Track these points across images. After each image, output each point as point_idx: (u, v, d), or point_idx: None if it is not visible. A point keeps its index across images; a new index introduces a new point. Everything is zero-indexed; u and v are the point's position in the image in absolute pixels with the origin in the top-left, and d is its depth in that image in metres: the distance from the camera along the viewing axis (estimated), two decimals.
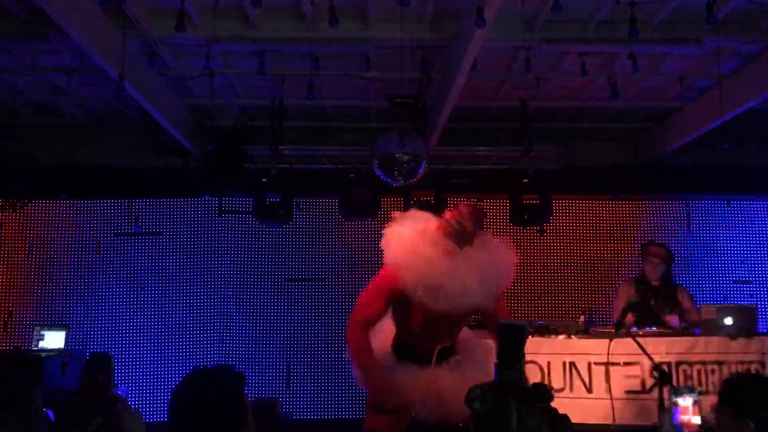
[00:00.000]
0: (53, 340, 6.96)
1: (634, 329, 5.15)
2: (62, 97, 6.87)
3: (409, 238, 3.80)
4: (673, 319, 5.59)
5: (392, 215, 4.03)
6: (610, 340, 4.63)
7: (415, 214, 4.02)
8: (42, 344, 6.95)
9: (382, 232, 3.94)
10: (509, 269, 3.89)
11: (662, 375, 3.45)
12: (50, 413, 3.16)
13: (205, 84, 6.33)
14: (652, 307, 5.73)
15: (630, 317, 5.36)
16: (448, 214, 3.87)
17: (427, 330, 3.80)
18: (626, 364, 4.87)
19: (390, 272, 3.77)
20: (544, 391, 2.21)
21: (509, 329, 2.32)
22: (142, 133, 7.56)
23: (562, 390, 5.09)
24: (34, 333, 7.07)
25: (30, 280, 7.75)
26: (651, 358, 4.03)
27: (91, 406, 2.44)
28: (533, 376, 5.21)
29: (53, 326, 7.18)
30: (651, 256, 5.90)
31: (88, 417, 2.17)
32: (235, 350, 7.75)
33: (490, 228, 7.86)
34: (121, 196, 7.82)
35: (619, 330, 4.63)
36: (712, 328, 4.91)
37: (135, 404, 7.35)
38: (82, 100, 6.99)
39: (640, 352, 4.60)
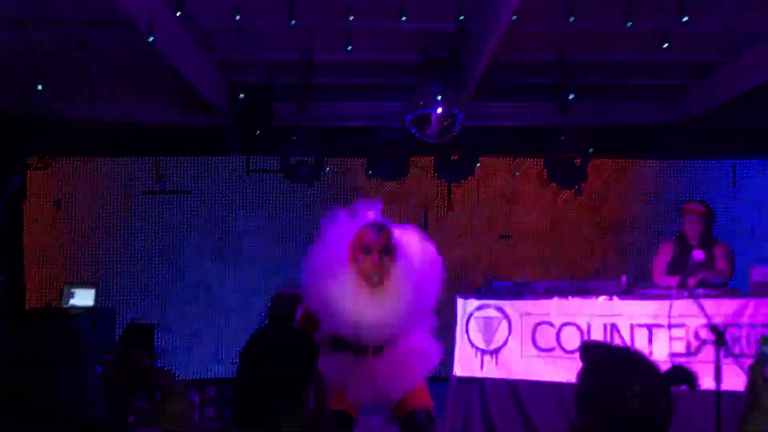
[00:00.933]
0: (83, 297, 6.96)
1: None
2: (88, 51, 6.72)
3: (323, 276, 3.60)
4: (697, 254, 5.38)
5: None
6: (672, 301, 4.50)
7: (340, 229, 3.71)
8: (72, 302, 6.96)
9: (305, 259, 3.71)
10: (428, 298, 3.69)
11: (719, 336, 3.29)
12: (98, 368, 3.03)
13: (233, 39, 6.15)
14: (687, 267, 5.58)
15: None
16: (356, 252, 3.58)
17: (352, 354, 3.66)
18: (671, 326, 4.73)
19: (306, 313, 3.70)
20: (690, 377, 1.95)
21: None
22: (169, 90, 7.41)
23: None
24: (64, 291, 7.07)
25: (59, 238, 7.72)
26: (710, 320, 3.88)
27: (126, 384, 2.29)
28: (572, 338, 5.10)
29: (82, 284, 7.18)
30: (689, 214, 5.77)
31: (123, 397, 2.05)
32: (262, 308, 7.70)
33: (524, 189, 7.69)
34: (148, 154, 7.74)
35: (681, 291, 4.51)
36: (763, 290, 4.73)
37: (162, 361, 7.36)
38: (108, 55, 6.83)
39: (685, 314, 4.47)
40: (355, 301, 3.51)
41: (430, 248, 3.78)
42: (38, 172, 7.68)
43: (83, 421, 1.59)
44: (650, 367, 1.89)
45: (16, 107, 7.21)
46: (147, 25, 4.63)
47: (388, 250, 3.58)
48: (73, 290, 7.04)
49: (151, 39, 4.67)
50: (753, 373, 1.96)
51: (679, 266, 5.39)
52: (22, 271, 7.59)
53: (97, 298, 7.01)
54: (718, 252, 5.58)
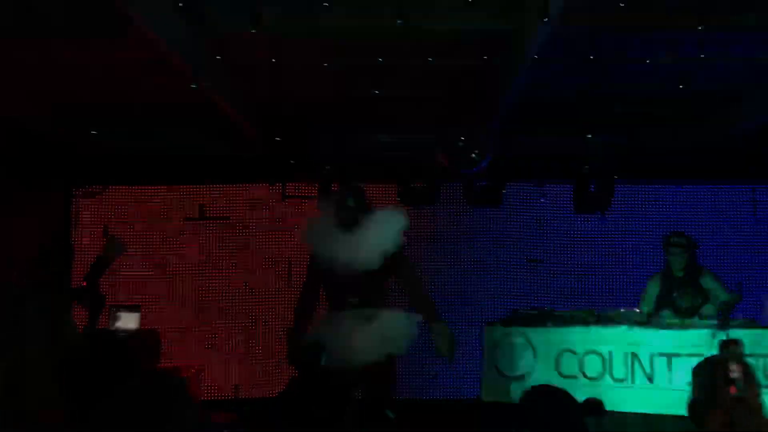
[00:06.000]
0: (128, 320, 7.28)
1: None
2: (133, 87, 7.09)
3: (313, 225, 5.17)
4: None
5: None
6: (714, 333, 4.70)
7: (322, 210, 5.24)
8: (117, 324, 7.29)
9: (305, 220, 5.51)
10: (391, 238, 4.93)
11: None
12: None
13: (270, 76, 6.47)
14: (674, 299, 5.79)
15: None
16: (336, 208, 5.04)
17: (339, 286, 4.98)
18: (689, 355, 4.89)
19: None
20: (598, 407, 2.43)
21: None
22: (209, 122, 7.76)
23: (623, 380, 5.15)
24: (110, 314, 7.40)
25: None
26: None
27: None
28: (595, 365, 5.29)
29: (127, 307, 7.50)
30: (671, 247, 5.94)
31: None
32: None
33: (553, 215, 7.88)
34: (189, 182, 8.10)
35: (651, 320, 4.75)
36: None
37: (198, 381, 7.69)
38: (153, 90, 7.20)
39: (704, 343, 4.65)
40: (335, 242, 4.88)
41: (397, 212, 5.16)
42: (86, 200, 8.08)
43: None
44: (565, 396, 2.49)
45: (64, 139, 7.62)
46: (191, 73, 4.95)
47: (360, 207, 4.95)
48: (118, 313, 7.37)
49: (194, 86, 4.99)
50: (714, 373, 2.21)
51: (667, 299, 5.59)
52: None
53: (140, 321, 7.33)
54: (706, 279, 5.78)
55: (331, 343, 4.64)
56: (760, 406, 2.61)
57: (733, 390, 2.24)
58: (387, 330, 4.92)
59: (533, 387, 2.69)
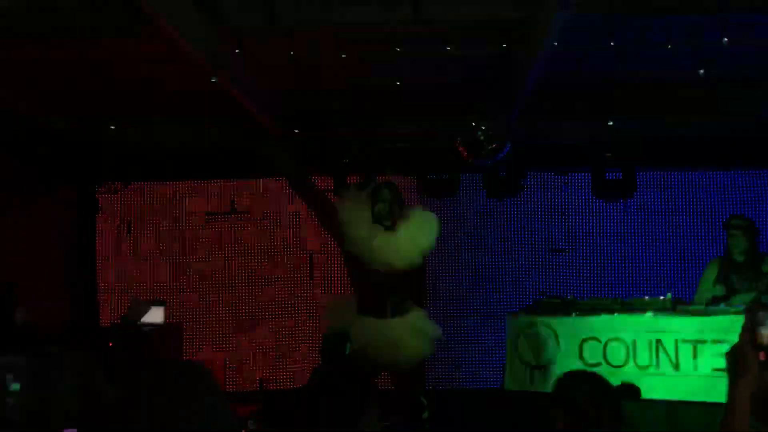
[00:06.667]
0: (153, 314, 7.37)
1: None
2: (154, 83, 7.14)
3: (354, 222, 5.14)
4: None
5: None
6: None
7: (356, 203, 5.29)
8: (143, 319, 7.38)
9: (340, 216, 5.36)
10: (423, 242, 5.08)
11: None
12: None
13: (288, 67, 6.48)
14: (733, 283, 5.67)
15: None
16: (372, 203, 5.15)
17: (378, 286, 5.01)
18: (715, 342, 4.85)
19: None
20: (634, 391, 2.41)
21: None
22: (229, 115, 7.79)
23: (647, 367, 5.12)
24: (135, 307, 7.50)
25: (129, 259, 8.19)
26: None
27: None
28: (618, 353, 5.25)
29: (153, 302, 7.59)
30: (732, 229, 5.82)
31: None
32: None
33: (575, 204, 7.84)
34: (210, 177, 8.16)
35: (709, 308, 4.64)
36: None
37: (224, 374, 7.76)
38: (173, 85, 7.24)
39: (730, 329, 4.60)
40: (374, 239, 4.92)
41: (430, 213, 5.35)
42: (109, 196, 8.17)
43: None
44: (601, 381, 2.52)
45: (85, 137, 7.70)
46: (211, 68, 4.98)
47: (396, 201, 5.06)
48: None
49: (214, 80, 5.01)
50: (742, 340, 2.15)
51: (726, 284, 5.48)
52: (95, 289, 8.09)
53: (166, 315, 7.42)
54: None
55: (374, 341, 4.67)
56: None
57: (762, 356, 2.15)
58: (428, 329, 5.03)
59: (567, 372, 2.68)
